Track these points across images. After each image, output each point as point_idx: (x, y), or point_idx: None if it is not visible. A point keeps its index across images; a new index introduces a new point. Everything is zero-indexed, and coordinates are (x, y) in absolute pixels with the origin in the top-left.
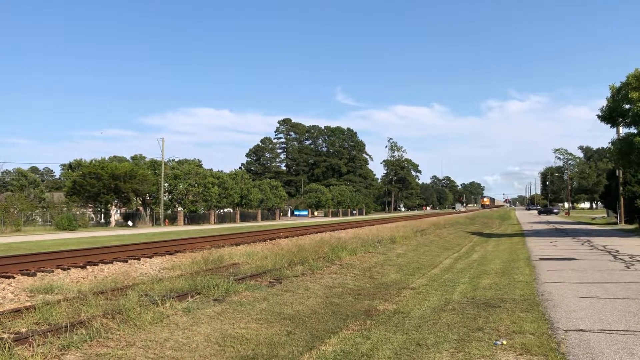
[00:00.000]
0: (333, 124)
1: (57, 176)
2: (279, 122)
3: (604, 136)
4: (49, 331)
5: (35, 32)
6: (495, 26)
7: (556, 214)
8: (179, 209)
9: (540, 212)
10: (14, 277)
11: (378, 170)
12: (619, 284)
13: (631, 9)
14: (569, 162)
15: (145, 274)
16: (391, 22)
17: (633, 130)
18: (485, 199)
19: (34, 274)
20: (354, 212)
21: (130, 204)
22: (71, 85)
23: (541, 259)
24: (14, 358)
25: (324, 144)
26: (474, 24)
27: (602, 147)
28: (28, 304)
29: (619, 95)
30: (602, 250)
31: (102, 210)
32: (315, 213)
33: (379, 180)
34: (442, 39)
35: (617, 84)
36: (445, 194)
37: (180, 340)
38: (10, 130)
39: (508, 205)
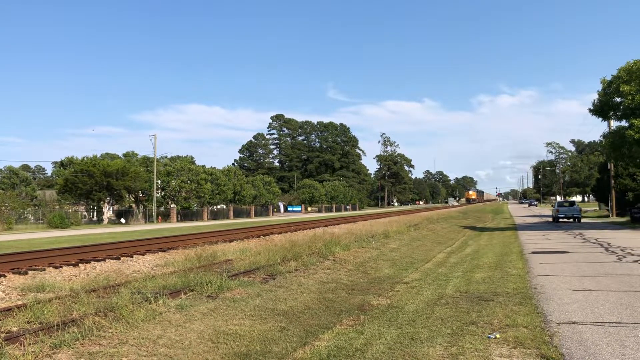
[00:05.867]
0: (325, 120)
1: (49, 174)
2: (271, 118)
3: (595, 130)
4: (41, 330)
5: (26, 30)
6: (484, 22)
7: (535, 205)
8: (171, 206)
9: (529, 205)
10: (5, 276)
11: (371, 165)
12: (611, 276)
13: (621, 3)
14: (561, 155)
15: (138, 271)
16: (381, 18)
17: (624, 123)
18: (470, 192)
19: (26, 273)
20: (348, 207)
21: (123, 202)
22: (62, 83)
23: (534, 252)
24: (4, 357)
25: (317, 140)
26: (464, 19)
27: (594, 141)
28: (19, 302)
29: (610, 89)
30: (594, 243)
31: (95, 207)
32: (309, 209)
33: (372, 176)
34: (432, 34)
35: (608, 78)
36: (438, 189)
37: (173, 338)
38: (1, 129)
39: (501, 199)
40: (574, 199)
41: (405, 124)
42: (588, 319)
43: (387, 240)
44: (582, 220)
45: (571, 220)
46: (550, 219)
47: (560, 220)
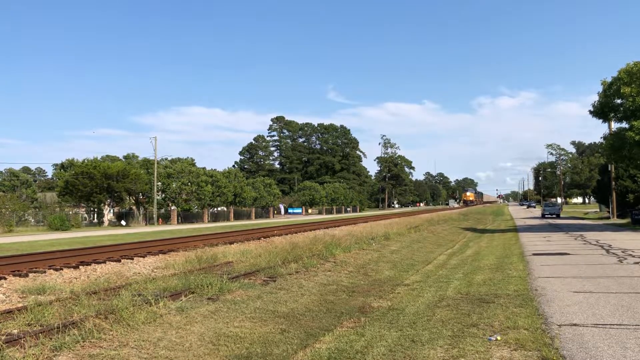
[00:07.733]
0: (325, 122)
1: (50, 176)
2: (272, 120)
3: (595, 132)
4: (41, 332)
5: (27, 32)
6: (484, 23)
7: (534, 207)
8: (172, 208)
9: (528, 207)
10: (5, 278)
11: (372, 167)
12: (612, 278)
13: (620, 4)
14: (562, 157)
15: (139, 273)
16: (381, 20)
17: (625, 125)
18: (468, 194)
19: (26, 275)
20: (348, 209)
21: (124, 204)
22: (63, 85)
23: (535, 254)
24: None
25: (317, 142)
26: (464, 21)
27: (595, 142)
28: (20, 305)
29: (610, 91)
30: (595, 244)
31: (95, 209)
32: (310, 211)
33: (372, 177)
34: (433, 36)
35: (609, 79)
36: (439, 191)
37: (174, 340)
38: (1, 130)
39: (501, 200)
40: (574, 200)
41: (405, 126)
42: (589, 321)
43: (387, 242)
44: (583, 221)
45: (554, 215)
46: (550, 220)
47: (546, 215)
